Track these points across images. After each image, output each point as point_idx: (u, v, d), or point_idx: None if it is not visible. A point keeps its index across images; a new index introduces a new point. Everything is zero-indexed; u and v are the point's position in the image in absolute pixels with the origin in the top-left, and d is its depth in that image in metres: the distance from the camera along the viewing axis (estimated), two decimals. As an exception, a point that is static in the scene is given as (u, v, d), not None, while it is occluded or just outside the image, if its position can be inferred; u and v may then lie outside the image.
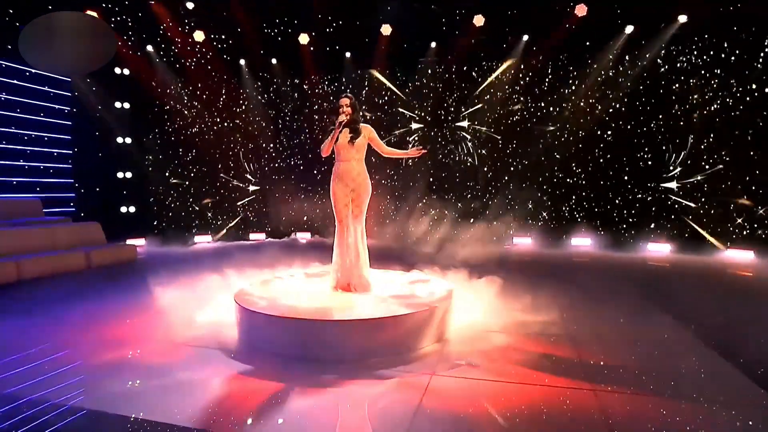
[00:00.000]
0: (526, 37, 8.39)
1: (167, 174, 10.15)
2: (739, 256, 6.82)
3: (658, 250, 7.91)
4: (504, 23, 8.14)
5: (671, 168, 8.06)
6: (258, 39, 9.17)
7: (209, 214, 10.38)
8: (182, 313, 4.42)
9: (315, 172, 10.29)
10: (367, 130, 4.29)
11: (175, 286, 5.20)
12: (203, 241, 10.07)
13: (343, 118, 4.14)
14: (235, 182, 10.42)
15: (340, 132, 4.17)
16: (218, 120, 10.24)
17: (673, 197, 8.05)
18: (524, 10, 7.90)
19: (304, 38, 9.23)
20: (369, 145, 4.35)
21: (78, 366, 3.36)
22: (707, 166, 7.64)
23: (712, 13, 6.95)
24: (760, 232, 7.01)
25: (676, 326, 4.08)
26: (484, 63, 8.97)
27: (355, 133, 4.22)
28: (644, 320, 4.28)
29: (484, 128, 9.13)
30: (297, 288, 4.43)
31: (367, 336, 3.41)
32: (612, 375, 3.07)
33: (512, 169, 9.12)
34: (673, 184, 8.06)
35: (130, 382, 3.06)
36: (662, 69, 7.91)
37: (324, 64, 9.60)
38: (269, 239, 10.30)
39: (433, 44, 8.90)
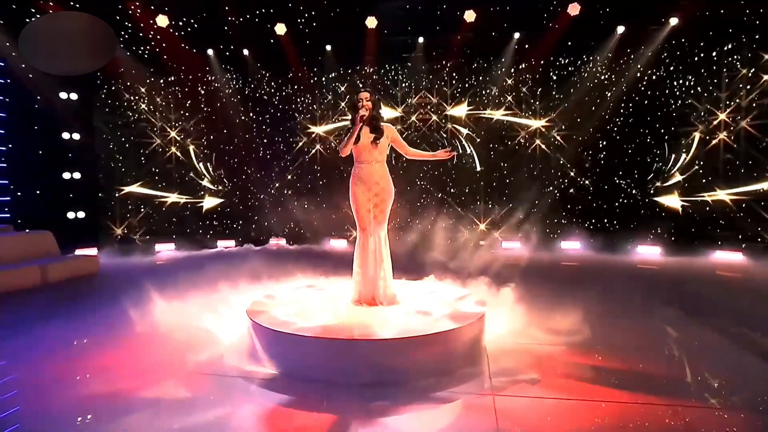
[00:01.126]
0: (517, 35, 8.56)
1: (123, 175, 9.49)
2: (728, 258, 7.33)
3: (648, 252, 8.33)
4: (497, 19, 8.24)
5: (661, 170, 8.50)
6: (230, 26, 8.77)
7: (173, 220, 9.80)
8: (182, 336, 4.12)
9: (292, 176, 9.99)
10: (390, 130, 4.19)
11: (161, 303, 4.84)
12: (167, 250, 9.48)
13: (364, 112, 4.01)
14: (203, 184, 9.92)
15: (360, 129, 4.04)
16: (184, 114, 9.70)
17: (662, 199, 8.48)
18: (517, 7, 8.04)
19: (281, 28, 8.93)
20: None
21: (79, 405, 3.01)
22: (697, 168, 8.10)
23: (699, 16, 7.38)
24: (747, 233, 7.52)
25: (702, 330, 4.26)
26: (474, 62, 9.08)
27: (378, 132, 4.10)
28: (671, 326, 4.43)
29: (466, 130, 9.26)
30: (314, 303, 4.25)
31: (415, 355, 3.31)
32: (673, 387, 3.14)
33: (503, 172, 9.29)
34: (672, 188, 8.51)
35: (150, 424, 2.77)
36: (650, 71, 8.33)
37: (304, 56, 9.36)
38: (242, 246, 9.89)
39: (421, 39, 8.89)
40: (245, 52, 9.42)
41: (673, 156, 8.40)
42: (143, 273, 7.14)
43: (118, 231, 9.43)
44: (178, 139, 9.72)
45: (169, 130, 9.67)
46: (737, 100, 7.76)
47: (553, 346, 3.84)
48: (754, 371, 3.42)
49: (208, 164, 9.95)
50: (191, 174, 9.87)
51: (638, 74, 8.38)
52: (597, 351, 3.77)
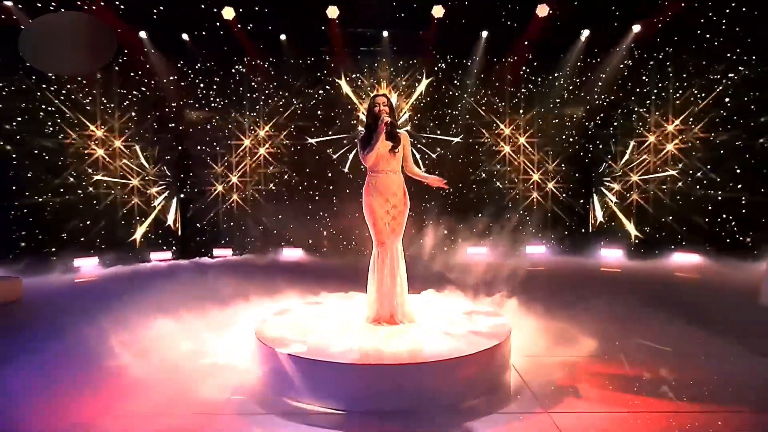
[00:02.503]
0: (485, 34, 8.94)
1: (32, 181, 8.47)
2: (686, 259, 8.26)
3: (611, 255, 9.13)
4: (464, 17, 8.54)
5: (620, 171, 9.32)
6: (166, 6, 8.23)
7: (100, 231, 8.91)
8: (175, 367, 3.83)
9: (238, 180, 9.60)
10: (405, 138, 4.23)
11: (124, 330, 4.48)
12: (87, 266, 8.60)
13: (387, 118, 4.01)
14: (135, 184, 9.18)
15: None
16: (106, 104, 8.89)
17: (622, 199, 9.31)
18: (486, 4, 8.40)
19: (228, 12, 8.54)
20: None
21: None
22: (660, 170, 8.97)
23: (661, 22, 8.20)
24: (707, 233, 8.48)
25: (711, 336, 4.69)
26: (441, 60, 9.34)
27: (395, 140, 4.13)
28: (681, 331, 4.85)
29: (427, 135, 9.53)
30: (326, 324, 4.16)
31: (458, 376, 3.38)
32: (720, 394, 3.45)
33: (467, 176, 9.66)
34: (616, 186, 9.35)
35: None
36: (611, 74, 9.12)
37: (257, 45, 9.05)
38: (175, 260, 9.30)
39: (385, 33, 8.97)
40: (184, 36, 8.91)
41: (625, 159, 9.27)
42: (76, 296, 6.54)
43: (19, 243, 8.38)
44: (103, 136, 8.90)
45: (88, 123, 8.81)
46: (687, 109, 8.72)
47: (577, 359, 4.11)
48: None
49: (142, 162, 9.24)
50: (121, 174, 9.10)
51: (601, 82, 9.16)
52: (616, 360, 4.09)
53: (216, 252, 9.66)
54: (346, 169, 9.52)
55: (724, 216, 8.14)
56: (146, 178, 9.24)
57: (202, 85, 9.42)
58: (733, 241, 8.00)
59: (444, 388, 3.34)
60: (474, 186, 9.67)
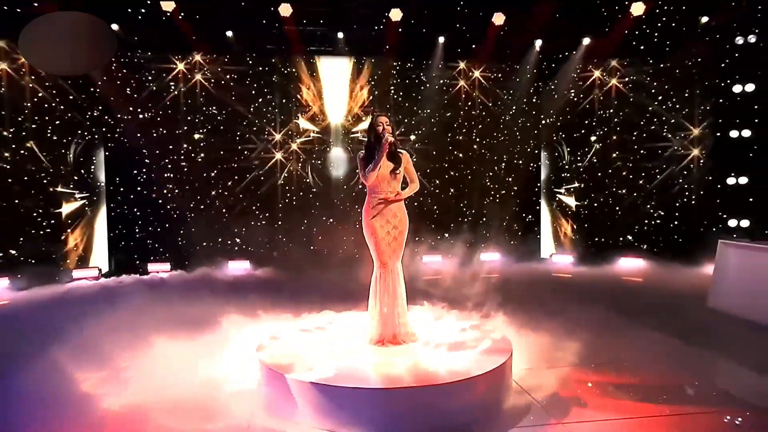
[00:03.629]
0: (441, 39, 9.36)
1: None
2: (631, 264, 9.23)
3: (562, 261, 9.94)
4: (423, 21, 8.90)
5: (569, 178, 10.18)
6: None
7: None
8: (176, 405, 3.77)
9: (176, 187, 9.28)
10: (406, 158, 4.45)
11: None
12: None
13: (390, 138, 4.21)
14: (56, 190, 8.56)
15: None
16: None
17: (571, 208, 10.17)
18: (444, 9, 8.82)
19: (168, 5, 8.27)
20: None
21: None
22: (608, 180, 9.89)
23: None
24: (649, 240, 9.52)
25: (681, 340, 5.34)
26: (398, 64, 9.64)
27: (397, 161, 4.34)
28: (651, 337, 5.45)
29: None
30: (328, 347, 4.28)
31: (473, 396, 3.66)
32: (712, 395, 4.00)
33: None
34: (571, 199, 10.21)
35: None
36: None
37: (204, 41, 8.81)
38: (118, 276, 8.83)
39: (341, 35, 9.11)
40: (114, 26, 8.49)
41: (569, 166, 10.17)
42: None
43: None
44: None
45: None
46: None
47: (565, 366, 4.56)
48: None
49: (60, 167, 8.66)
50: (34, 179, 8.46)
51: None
52: (605, 368, 4.60)
53: (151, 267, 9.26)
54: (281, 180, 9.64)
55: (667, 223, 9.23)
56: (69, 185, 8.69)
57: (133, 83, 9.04)
58: (675, 247, 9.12)
59: (461, 408, 3.60)
60: (430, 196, 10.08)
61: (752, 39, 8.33)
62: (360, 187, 9.60)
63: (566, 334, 5.25)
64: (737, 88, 8.55)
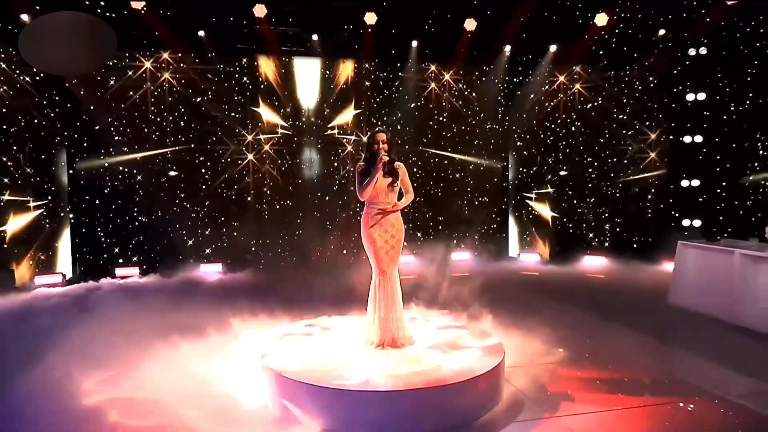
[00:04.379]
0: (415, 43, 9.66)
1: None
2: (594, 262, 9.88)
3: (529, 259, 10.49)
4: (397, 24, 9.17)
5: (537, 180, 10.72)
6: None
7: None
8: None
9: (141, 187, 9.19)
10: (402, 170, 4.70)
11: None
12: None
13: (385, 158, 4.46)
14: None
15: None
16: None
17: (538, 208, 10.73)
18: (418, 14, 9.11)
19: (138, 3, 8.19)
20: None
21: None
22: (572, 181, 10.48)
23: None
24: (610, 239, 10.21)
25: (649, 336, 5.88)
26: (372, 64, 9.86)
27: (394, 175, 4.59)
28: (621, 332, 5.99)
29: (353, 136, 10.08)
30: (331, 351, 4.50)
31: (474, 395, 3.99)
32: (673, 386, 4.47)
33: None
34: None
35: None
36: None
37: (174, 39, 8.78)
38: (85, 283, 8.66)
39: (315, 37, 9.25)
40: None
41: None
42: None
43: None
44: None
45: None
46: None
47: (550, 363, 4.96)
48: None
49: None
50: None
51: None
52: (586, 363, 5.01)
53: (119, 272, 9.14)
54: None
55: (627, 223, 9.96)
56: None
57: (99, 80, 8.90)
58: (634, 246, 9.84)
59: (463, 406, 3.92)
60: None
61: (703, 51, 9.08)
62: (335, 189, 9.82)
63: (545, 333, 5.65)
64: (690, 97, 9.30)
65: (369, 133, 4.64)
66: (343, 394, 3.69)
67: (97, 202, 9.04)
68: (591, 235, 10.23)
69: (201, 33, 8.82)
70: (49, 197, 8.75)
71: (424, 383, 3.80)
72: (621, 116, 9.92)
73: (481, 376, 3.96)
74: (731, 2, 8.00)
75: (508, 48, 9.90)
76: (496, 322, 5.84)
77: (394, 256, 4.62)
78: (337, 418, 3.72)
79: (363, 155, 4.68)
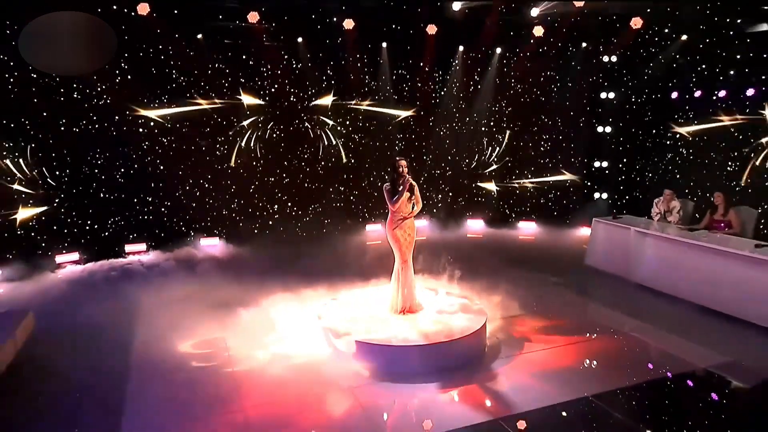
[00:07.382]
0: (385, 44, 11.18)
1: None
2: (526, 226, 12.42)
3: (474, 225, 12.81)
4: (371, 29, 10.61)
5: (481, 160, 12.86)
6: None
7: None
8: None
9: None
10: (417, 187, 6.60)
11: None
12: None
13: (411, 181, 6.34)
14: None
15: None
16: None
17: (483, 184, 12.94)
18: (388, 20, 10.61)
19: (143, 8, 9.05)
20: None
21: None
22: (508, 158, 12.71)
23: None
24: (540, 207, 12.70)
25: (571, 290, 8.38)
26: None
27: (411, 191, 6.49)
28: (541, 282, 8.47)
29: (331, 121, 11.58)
30: (370, 317, 6.44)
31: (477, 343, 6.15)
32: (589, 326, 6.95)
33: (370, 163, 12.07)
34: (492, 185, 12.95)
35: None
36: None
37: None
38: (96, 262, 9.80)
39: (300, 39, 10.51)
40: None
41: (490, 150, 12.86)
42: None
43: None
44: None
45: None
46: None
47: (511, 315, 7.18)
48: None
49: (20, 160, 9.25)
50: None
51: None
52: (532, 314, 7.31)
53: (128, 248, 10.31)
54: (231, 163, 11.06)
55: (555, 196, 12.48)
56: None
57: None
58: (556, 214, 12.45)
59: (470, 351, 6.05)
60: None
61: (614, 59, 11.46)
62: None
63: (501, 291, 7.64)
64: (603, 95, 11.75)
65: (392, 159, 6.43)
66: (389, 348, 5.71)
67: (94, 183, 9.93)
68: (526, 206, 12.67)
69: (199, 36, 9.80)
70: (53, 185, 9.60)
71: (445, 337, 5.90)
72: (553, 109, 12.15)
73: (477, 330, 6.11)
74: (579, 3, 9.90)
75: (461, 48, 11.68)
76: (466, 286, 7.88)
77: (412, 248, 6.59)
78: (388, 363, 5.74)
79: (389, 176, 6.47)
